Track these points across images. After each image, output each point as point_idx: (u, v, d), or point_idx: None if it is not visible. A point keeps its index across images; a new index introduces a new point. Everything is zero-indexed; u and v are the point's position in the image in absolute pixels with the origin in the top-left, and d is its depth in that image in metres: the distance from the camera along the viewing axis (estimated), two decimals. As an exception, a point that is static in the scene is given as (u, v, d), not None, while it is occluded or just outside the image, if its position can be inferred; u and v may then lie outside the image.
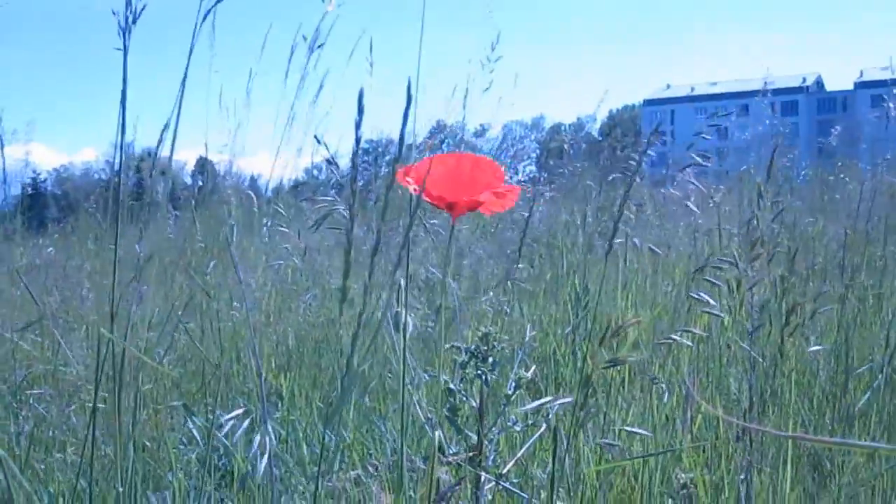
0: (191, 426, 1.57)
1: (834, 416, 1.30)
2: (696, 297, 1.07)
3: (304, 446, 1.55)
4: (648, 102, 62.93)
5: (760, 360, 1.07)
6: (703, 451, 1.18)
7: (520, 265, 2.06)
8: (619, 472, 1.17)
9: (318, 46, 1.52)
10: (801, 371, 1.44)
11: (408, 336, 0.77)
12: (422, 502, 0.85)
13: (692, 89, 61.16)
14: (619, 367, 1.77)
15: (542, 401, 0.96)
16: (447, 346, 1.00)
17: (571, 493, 1.06)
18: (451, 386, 0.99)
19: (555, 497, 0.90)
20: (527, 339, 1.10)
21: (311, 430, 1.62)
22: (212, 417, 1.79)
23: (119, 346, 1.05)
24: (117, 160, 1.19)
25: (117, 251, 1.12)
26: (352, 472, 1.24)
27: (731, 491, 1.16)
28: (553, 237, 4.02)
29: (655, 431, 1.22)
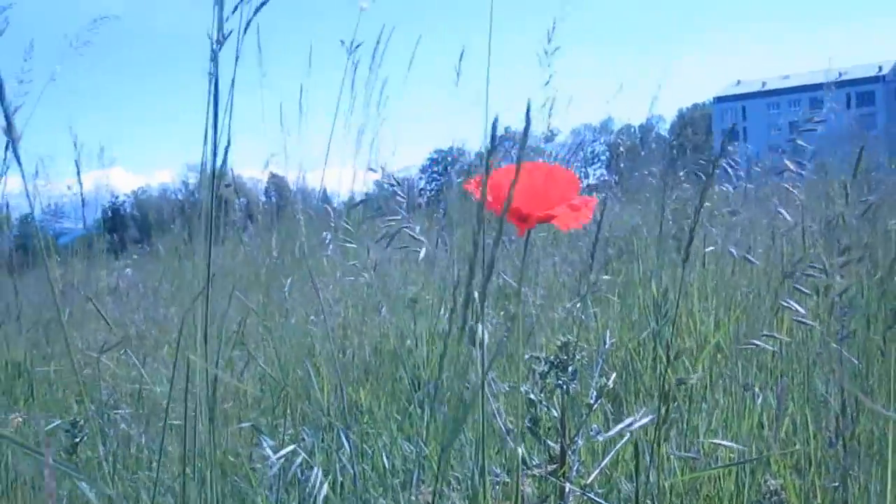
0: (265, 446, 1.59)
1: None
2: (787, 304, 1.04)
3: (384, 458, 1.55)
4: (719, 100, 61.71)
5: (855, 361, 1.02)
6: (793, 457, 1.14)
7: (594, 275, 2.03)
8: (705, 479, 1.14)
9: (356, 47, 1.52)
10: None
11: (485, 349, 0.76)
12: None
13: (763, 84, 59.77)
14: (701, 363, 1.73)
15: (625, 423, 0.94)
16: (527, 356, 0.99)
17: (658, 504, 1.04)
18: (532, 396, 0.98)
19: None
20: (606, 346, 1.08)
21: (391, 442, 1.62)
22: (288, 435, 1.81)
23: (205, 370, 1.06)
24: (203, 180, 1.20)
25: (199, 268, 1.14)
26: (430, 487, 1.23)
27: (824, 497, 1.12)
28: (628, 242, 3.97)
29: (739, 439, 1.18)
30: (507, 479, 1.01)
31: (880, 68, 55.71)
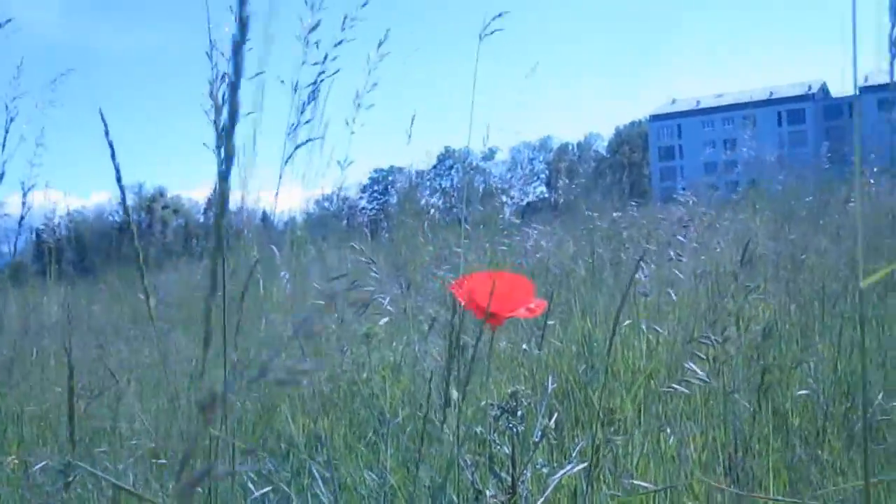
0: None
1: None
2: (687, 367, 1.24)
3: (351, 489, 1.71)
4: (655, 118, 63.06)
5: (745, 408, 1.23)
6: (701, 485, 1.34)
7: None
8: (636, 502, 1.33)
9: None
10: (780, 420, 1.59)
11: (452, 403, 0.93)
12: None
13: (697, 102, 61.25)
14: (632, 402, 1.93)
15: (563, 471, 1.12)
16: (483, 402, 1.17)
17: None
18: (489, 437, 1.15)
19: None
20: (549, 391, 1.26)
21: (355, 472, 1.78)
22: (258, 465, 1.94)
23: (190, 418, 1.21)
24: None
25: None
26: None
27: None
28: (566, 272, 4.19)
29: (661, 469, 1.38)
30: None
31: (810, 87, 57.55)
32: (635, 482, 1.27)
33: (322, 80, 1.62)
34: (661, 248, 4.08)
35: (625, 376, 2.08)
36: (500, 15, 1.47)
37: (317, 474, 1.64)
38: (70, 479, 1.57)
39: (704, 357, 1.22)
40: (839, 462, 1.45)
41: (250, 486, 1.58)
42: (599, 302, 2.81)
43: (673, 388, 1.19)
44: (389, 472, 1.59)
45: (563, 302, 2.97)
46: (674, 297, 2.16)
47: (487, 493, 1.18)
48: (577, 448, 1.24)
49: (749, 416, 1.27)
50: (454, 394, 0.91)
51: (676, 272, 2.73)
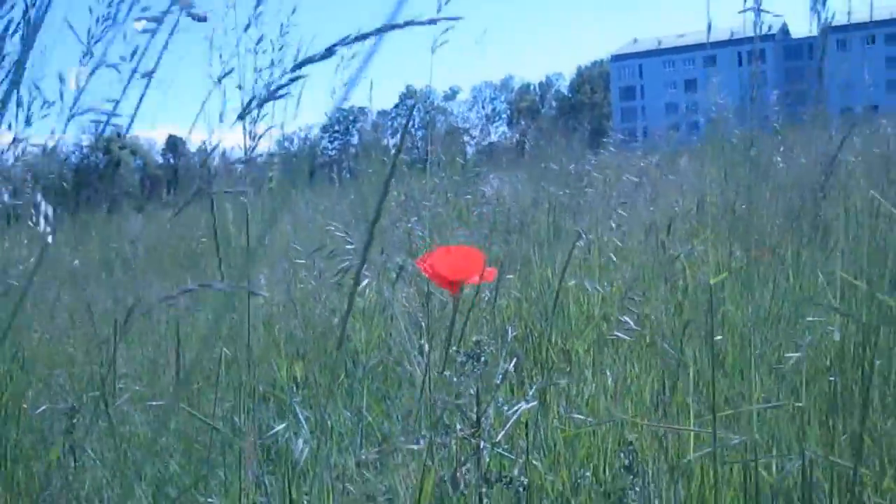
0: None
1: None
2: (620, 319, 1.42)
3: (329, 426, 1.88)
4: (616, 58, 62.93)
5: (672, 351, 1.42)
6: (648, 417, 1.54)
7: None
8: (583, 434, 1.53)
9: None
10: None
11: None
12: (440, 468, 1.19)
13: (659, 42, 61.18)
14: (584, 341, 2.12)
15: (519, 409, 1.30)
16: (452, 349, 1.34)
17: (546, 454, 1.41)
18: (454, 380, 1.33)
19: (531, 457, 1.25)
20: (509, 339, 1.44)
21: (333, 411, 1.95)
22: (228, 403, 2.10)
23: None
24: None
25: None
26: (374, 448, 1.57)
27: (659, 443, 1.52)
28: (525, 214, 4.38)
29: (609, 404, 1.58)
30: (438, 439, 1.37)
31: (770, 27, 57.65)
32: (579, 416, 1.45)
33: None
34: (618, 195, 4.27)
35: (576, 326, 2.27)
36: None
37: (300, 414, 1.81)
38: (75, 421, 1.72)
39: (634, 310, 1.40)
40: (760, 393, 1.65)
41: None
42: (557, 252, 3.00)
43: (615, 335, 1.37)
44: (366, 409, 1.77)
45: (524, 252, 3.15)
46: (619, 245, 2.34)
47: (456, 427, 1.36)
48: (534, 388, 1.43)
49: (674, 361, 1.47)
50: (425, 346, 1.08)
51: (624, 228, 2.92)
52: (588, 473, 1.40)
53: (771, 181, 3.79)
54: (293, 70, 0.74)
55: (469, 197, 4.69)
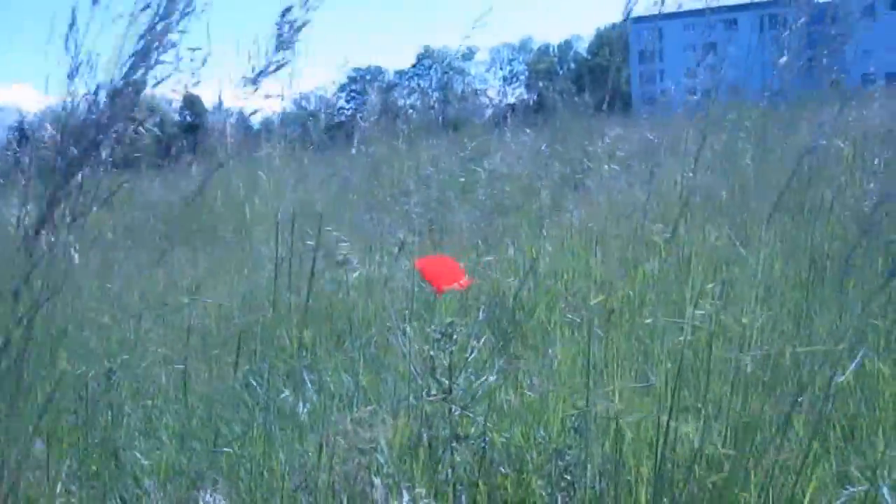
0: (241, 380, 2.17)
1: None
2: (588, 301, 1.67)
3: (331, 388, 2.15)
4: (637, 20, 62.10)
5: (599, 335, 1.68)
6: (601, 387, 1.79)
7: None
8: (539, 399, 1.79)
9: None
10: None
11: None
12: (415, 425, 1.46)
13: (680, 5, 60.24)
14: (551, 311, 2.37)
15: (483, 379, 1.57)
16: (429, 328, 1.60)
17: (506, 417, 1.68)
18: (431, 353, 1.59)
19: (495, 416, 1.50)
20: (481, 318, 1.70)
21: (334, 375, 2.22)
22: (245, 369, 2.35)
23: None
24: None
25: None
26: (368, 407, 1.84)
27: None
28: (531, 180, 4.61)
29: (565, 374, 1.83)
30: (416, 402, 1.63)
31: (794, -10, 56.78)
32: (536, 384, 1.71)
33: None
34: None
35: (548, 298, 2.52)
36: None
37: (306, 377, 2.08)
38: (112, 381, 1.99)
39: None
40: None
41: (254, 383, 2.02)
42: (550, 230, 3.25)
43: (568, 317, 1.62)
44: (361, 374, 2.03)
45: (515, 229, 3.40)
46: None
47: (432, 393, 1.62)
48: (501, 361, 1.69)
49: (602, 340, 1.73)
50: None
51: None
52: (542, 431, 1.66)
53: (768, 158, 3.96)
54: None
55: (478, 170, 4.88)
